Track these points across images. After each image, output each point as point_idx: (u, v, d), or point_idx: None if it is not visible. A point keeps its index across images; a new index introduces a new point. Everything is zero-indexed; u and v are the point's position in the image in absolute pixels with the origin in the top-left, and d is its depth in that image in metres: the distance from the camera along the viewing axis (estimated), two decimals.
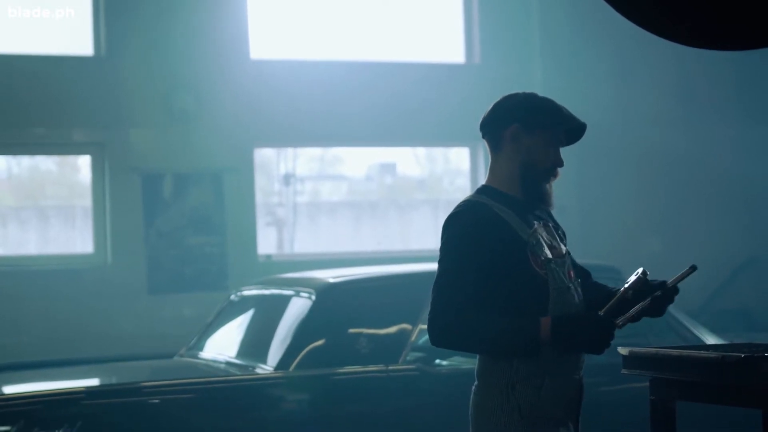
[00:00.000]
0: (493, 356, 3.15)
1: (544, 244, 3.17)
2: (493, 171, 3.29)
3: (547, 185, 3.25)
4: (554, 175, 3.26)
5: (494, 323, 3.06)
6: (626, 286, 3.15)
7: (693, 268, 3.11)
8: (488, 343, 3.09)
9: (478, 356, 3.21)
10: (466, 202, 3.22)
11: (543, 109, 3.24)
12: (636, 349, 3.34)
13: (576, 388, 3.19)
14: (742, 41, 3.17)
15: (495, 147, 3.28)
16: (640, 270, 3.14)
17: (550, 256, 3.16)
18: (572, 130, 3.29)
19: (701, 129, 10.56)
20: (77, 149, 9.52)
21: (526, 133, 3.22)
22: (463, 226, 3.14)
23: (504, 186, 3.24)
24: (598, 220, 10.03)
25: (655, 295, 3.13)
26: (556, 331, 3.03)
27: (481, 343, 3.11)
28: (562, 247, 3.26)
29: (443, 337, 3.10)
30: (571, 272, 3.24)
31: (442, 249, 3.16)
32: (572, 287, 3.20)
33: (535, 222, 3.21)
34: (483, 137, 3.32)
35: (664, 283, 3.17)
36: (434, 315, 3.09)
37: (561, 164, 3.26)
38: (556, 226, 3.32)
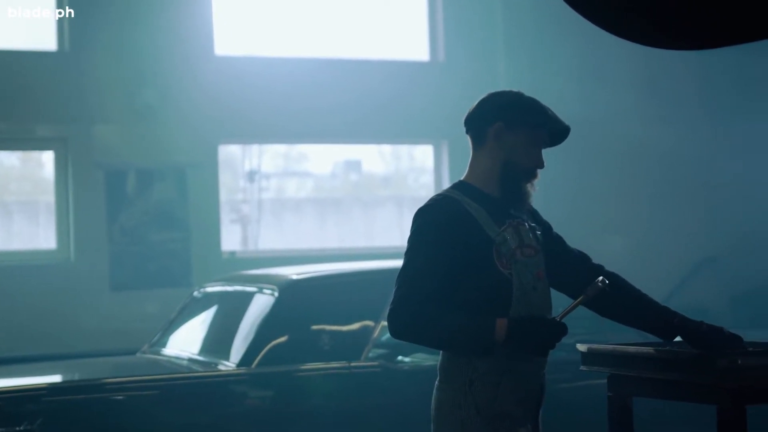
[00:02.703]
0: (450, 353, 3.17)
1: (512, 244, 3.17)
2: (472, 167, 3.29)
3: (527, 185, 3.25)
4: (534, 175, 3.26)
5: (452, 320, 3.07)
6: (586, 293, 3.15)
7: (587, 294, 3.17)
8: (444, 339, 3.11)
9: (440, 352, 3.22)
10: (437, 195, 3.24)
11: (529, 109, 3.24)
12: (594, 346, 3.37)
13: (536, 388, 3.20)
14: (726, 40, 3.15)
15: (477, 143, 3.28)
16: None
17: (517, 255, 3.17)
18: (555, 132, 3.29)
19: (666, 127, 10.63)
20: (40, 145, 9.46)
21: (509, 132, 3.22)
22: (430, 220, 3.15)
23: (480, 182, 3.24)
24: (562, 217, 10.06)
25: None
26: (510, 334, 3.04)
27: (437, 338, 3.12)
28: (536, 247, 3.24)
29: (402, 329, 3.11)
30: (541, 272, 3.23)
31: (408, 241, 3.18)
32: (539, 288, 3.21)
33: (508, 221, 3.20)
34: (466, 132, 3.31)
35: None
36: (395, 306, 3.10)
37: (542, 165, 3.26)
38: (535, 226, 3.30)
